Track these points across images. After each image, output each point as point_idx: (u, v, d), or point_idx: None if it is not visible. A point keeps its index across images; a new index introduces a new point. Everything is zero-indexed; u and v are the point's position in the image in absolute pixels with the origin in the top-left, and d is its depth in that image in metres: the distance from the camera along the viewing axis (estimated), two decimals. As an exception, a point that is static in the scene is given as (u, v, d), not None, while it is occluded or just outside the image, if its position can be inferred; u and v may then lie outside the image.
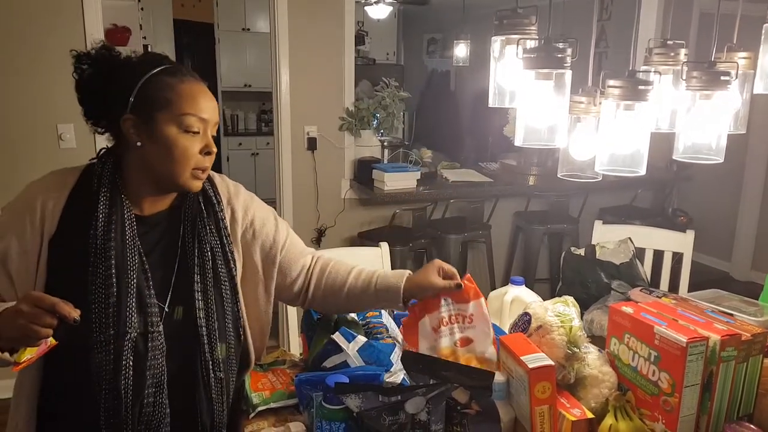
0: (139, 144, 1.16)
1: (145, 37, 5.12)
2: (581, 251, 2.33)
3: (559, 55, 1.15)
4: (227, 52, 6.59)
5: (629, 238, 2.29)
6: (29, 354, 1.03)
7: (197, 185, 1.20)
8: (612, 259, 2.25)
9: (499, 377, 1.25)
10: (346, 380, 1.17)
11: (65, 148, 2.87)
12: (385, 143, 3.57)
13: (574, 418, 1.18)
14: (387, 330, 1.41)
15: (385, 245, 2.15)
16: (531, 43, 1.21)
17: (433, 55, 7.65)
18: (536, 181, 3.75)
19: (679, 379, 1.17)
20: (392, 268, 3.14)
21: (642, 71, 1.27)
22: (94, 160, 1.23)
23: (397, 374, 1.31)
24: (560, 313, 1.32)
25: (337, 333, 1.29)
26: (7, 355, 1.05)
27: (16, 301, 1.13)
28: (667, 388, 1.19)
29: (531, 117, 1.23)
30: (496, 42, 1.31)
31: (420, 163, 3.56)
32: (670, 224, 3.64)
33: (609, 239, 2.39)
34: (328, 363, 1.28)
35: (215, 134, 1.22)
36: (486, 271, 3.66)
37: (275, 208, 3.40)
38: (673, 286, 2.43)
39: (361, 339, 1.29)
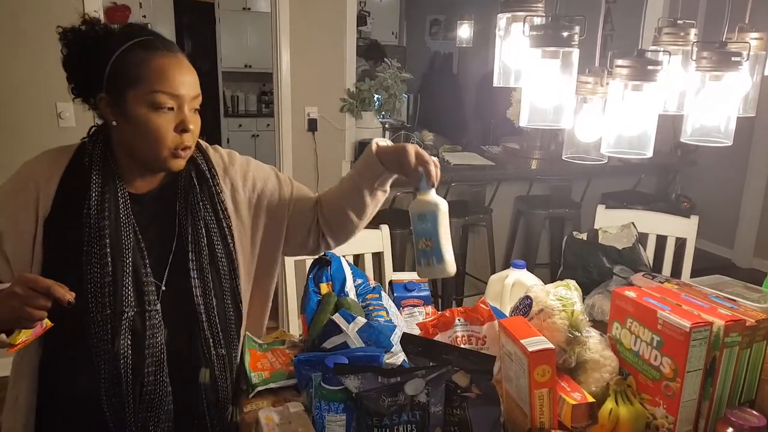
0: (114, 123, 1.13)
1: (145, 16, 5.07)
2: (583, 236, 2.32)
3: (567, 33, 1.12)
4: (228, 32, 6.51)
5: (632, 223, 2.28)
6: (24, 336, 1.03)
7: (179, 164, 1.16)
8: (614, 243, 2.24)
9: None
10: (346, 361, 1.16)
11: (64, 126, 2.84)
12: (387, 125, 3.54)
13: (574, 402, 1.17)
14: (387, 312, 1.39)
15: (385, 228, 2.13)
16: (538, 21, 1.18)
17: (436, 36, 7.57)
18: (539, 165, 3.72)
19: (682, 364, 1.16)
20: (393, 251, 3.11)
21: (651, 51, 1.25)
22: (86, 139, 1.21)
23: (397, 356, 1.30)
24: (562, 297, 1.31)
25: (336, 314, 1.28)
26: (3, 336, 1.05)
27: (7, 278, 1.12)
28: (669, 373, 1.19)
29: (536, 97, 1.20)
30: (502, 19, 1.28)
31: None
32: (674, 209, 3.61)
33: (612, 224, 2.37)
34: (328, 344, 1.27)
35: (197, 108, 1.16)
36: (486, 255, 3.64)
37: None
38: (676, 272, 2.42)
39: (361, 320, 1.28)
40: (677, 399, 1.17)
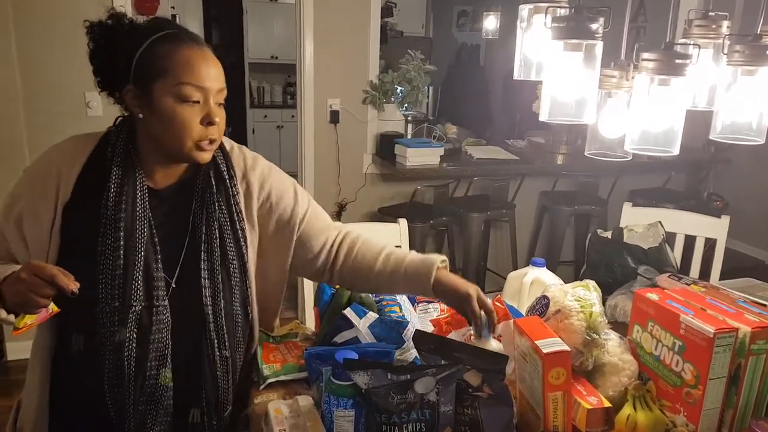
0: (140, 116, 1.13)
1: (173, 7, 5.11)
2: (608, 234, 2.26)
3: (590, 25, 1.08)
4: (255, 23, 6.53)
5: (659, 222, 2.22)
6: (29, 320, 1.04)
7: (204, 157, 1.15)
8: (640, 243, 2.18)
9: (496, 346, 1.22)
10: (356, 356, 1.14)
11: (92, 116, 2.88)
12: (409, 118, 3.51)
13: (589, 407, 1.13)
14: (400, 308, 1.37)
15: (403, 222, 2.11)
16: (561, 13, 1.14)
17: (463, 28, 7.48)
18: (564, 160, 3.65)
19: (704, 371, 1.11)
20: (411, 245, 3.11)
21: (680, 44, 1.20)
22: (113, 128, 1.21)
23: (409, 352, 1.28)
24: (580, 297, 1.27)
25: (348, 308, 1.26)
26: (12, 317, 1.07)
27: (24, 261, 1.13)
28: (691, 380, 1.14)
29: (558, 90, 1.16)
30: (524, 10, 1.24)
31: (444, 139, 3.49)
32: (705, 209, 3.51)
33: (638, 222, 2.31)
34: (339, 338, 1.26)
35: (222, 102, 1.15)
36: (509, 251, 3.60)
37: (297, 181, 3.40)
38: (704, 274, 2.34)
39: (373, 315, 1.26)
40: (699, 407, 1.13)
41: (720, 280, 2.26)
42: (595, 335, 1.23)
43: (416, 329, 1.26)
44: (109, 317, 1.11)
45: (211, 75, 1.12)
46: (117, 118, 1.21)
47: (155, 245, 1.16)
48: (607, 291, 2.00)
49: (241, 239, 1.24)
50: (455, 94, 6.60)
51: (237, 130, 6.42)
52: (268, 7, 6.47)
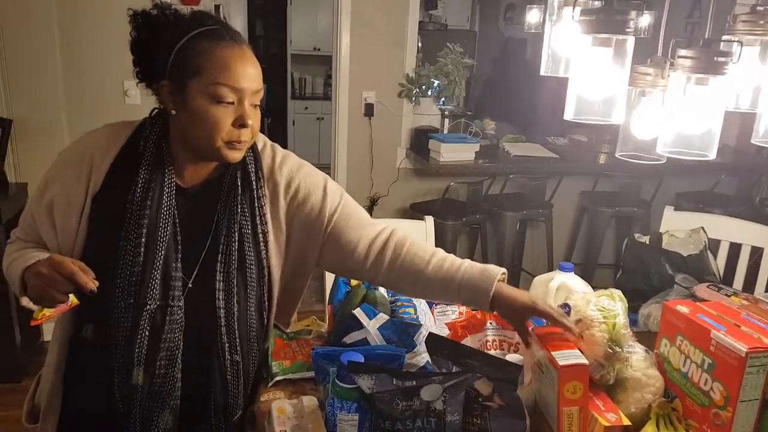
0: (173, 112, 1.10)
1: (217, -3, 5.15)
2: (646, 239, 2.17)
3: (621, 18, 1.01)
4: (299, 14, 6.55)
5: (702, 228, 2.10)
6: (47, 312, 1.04)
7: (235, 156, 1.12)
8: (680, 249, 2.08)
9: (516, 359, 1.16)
10: (361, 359, 1.11)
11: (130, 104, 2.93)
12: (446, 112, 3.44)
13: (607, 424, 1.07)
14: (415, 310, 1.33)
15: (429, 219, 2.06)
16: (590, 5, 1.07)
17: (511, 21, 7.31)
18: (607, 160, 3.52)
19: (735, 392, 1.04)
20: (442, 243, 3.05)
21: (722, 41, 1.11)
22: (148, 119, 1.19)
23: (420, 356, 1.24)
24: (604, 307, 1.20)
25: (358, 308, 1.23)
26: (32, 305, 1.07)
27: (54, 247, 1.15)
28: (720, 401, 1.07)
29: (585, 88, 1.10)
30: (554, 1, 1.18)
31: (480, 135, 3.41)
32: (756, 215, 3.32)
33: (680, 227, 2.20)
34: (348, 339, 1.23)
35: (257, 103, 1.11)
36: (544, 252, 3.50)
37: (329, 174, 3.38)
38: (749, 285, 2.21)
39: (383, 317, 1.22)
40: (727, 430, 1.06)
41: (766, 291, 2.13)
42: (617, 348, 1.16)
43: (429, 333, 1.22)
44: (123, 313, 1.10)
45: (248, 76, 1.08)
46: (153, 110, 1.19)
47: (177, 243, 1.15)
48: (642, 299, 1.92)
49: (262, 244, 1.20)
50: (498, 89, 6.47)
51: (277, 122, 6.47)
52: (312, -1, 6.49)
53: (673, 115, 1.10)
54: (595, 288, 1.43)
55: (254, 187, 1.20)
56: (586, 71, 1.08)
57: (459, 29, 6.61)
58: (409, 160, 3.41)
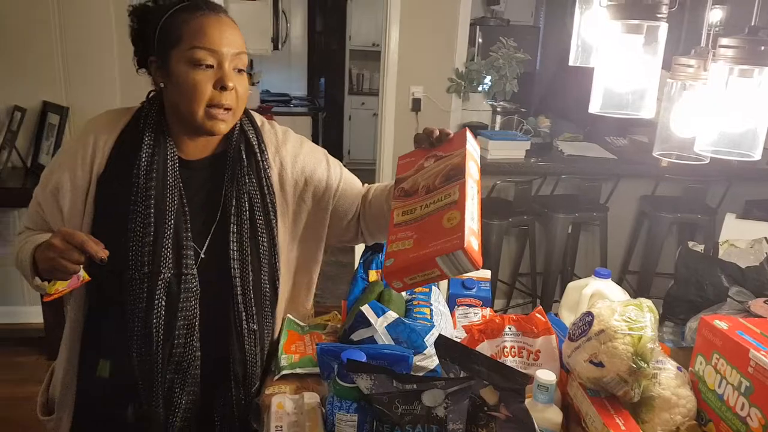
0: (162, 85, 1.15)
1: (277, -7, 5.22)
2: (701, 247, 2.02)
3: (652, 3, 0.92)
4: (358, 10, 6.55)
5: (765, 238, 1.94)
6: (60, 286, 1.07)
7: (218, 127, 1.14)
8: (738, 260, 1.92)
9: (548, 376, 1.08)
10: (363, 357, 1.07)
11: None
12: (499, 109, 3.34)
13: (624, 445, 0.98)
14: (431, 311, 1.28)
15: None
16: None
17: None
18: (669, 162, 3.31)
19: (773, 421, 0.93)
20: (485, 242, 2.97)
21: (774, 28, 1.00)
22: (146, 102, 1.23)
23: (430, 359, 1.18)
24: (630, 318, 1.10)
25: (366, 305, 1.19)
26: (45, 283, 1.10)
27: None
28: (758, 429, 0.97)
29: (613, 79, 1.01)
30: (585, -13, 1.09)
31: (532, 132, 3.29)
32: (834, 227, 3.05)
33: (743, 237, 2.04)
34: (356, 336, 1.19)
35: (242, 68, 1.14)
36: (598, 258, 3.34)
37: (374, 168, 3.35)
38: (817, 302, 2.02)
39: (392, 315, 1.18)
40: (764, 462, 0.95)
41: (835, 311, 1.94)
42: (642, 363, 1.07)
43: (439, 335, 1.16)
44: (138, 284, 1.12)
45: (225, 39, 1.11)
46: (150, 92, 1.23)
47: (186, 214, 1.17)
48: (695, 312, 1.79)
49: (271, 213, 1.23)
50: (561, 86, 6.26)
51: (334, 117, 6.51)
52: (372, -6, 6.48)
53: (714, 110, 1.00)
54: (651, 299, 1.33)
55: (259, 158, 1.23)
56: (615, 61, 0.99)
57: (521, 25, 6.43)
58: (456, 157, 3.33)
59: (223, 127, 1.15)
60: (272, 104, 5.31)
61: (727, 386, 1.05)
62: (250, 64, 5.74)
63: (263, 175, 1.23)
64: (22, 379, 1.30)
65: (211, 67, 1.10)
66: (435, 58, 3.18)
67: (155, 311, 1.13)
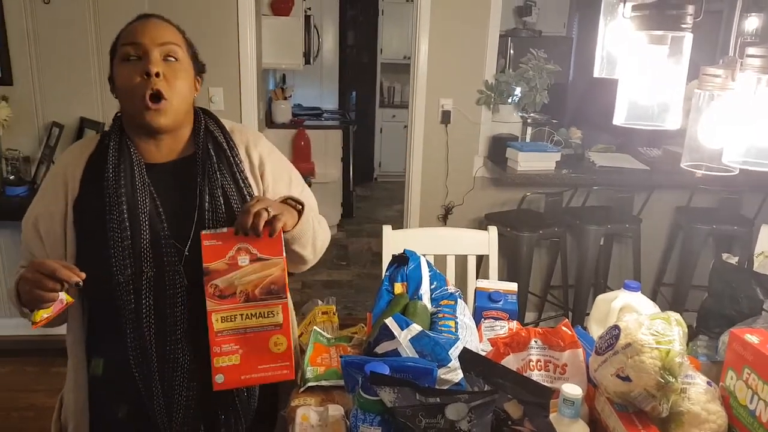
0: (115, 96, 1.21)
1: (309, 8, 5.32)
2: (735, 260, 1.97)
3: (676, 13, 0.91)
4: (390, 23, 6.62)
5: (803, 250, 1.88)
6: (44, 314, 1.07)
7: (157, 119, 1.17)
8: (774, 273, 1.87)
9: (574, 390, 1.07)
10: (386, 370, 1.07)
11: (215, 110, 3.02)
12: (529, 120, 3.32)
13: (652, 461, 0.97)
14: (456, 323, 1.28)
15: (493, 230, 1.98)
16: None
17: (611, 28, 6.98)
18: (704, 173, 3.23)
19: (807, 439, 0.90)
20: (516, 254, 2.93)
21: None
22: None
23: (454, 372, 1.18)
24: (657, 332, 1.09)
25: (390, 318, 1.19)
26: (29, 313, 1.12)
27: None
28: (792, 446, 0.94)
29: (637, 90, 1.00)
30: (609, -1, 1.09)
31: (563, 144, 3.25)
32: None
33: (780, 249, 1.99)
34: (380, 349, 1.19)
35: (172, 57, 1.19)
36: (631, 270, 3.27)
37: (404, 181, 3.35)
38: None
39: (416, 328, 1.18)
40: (798, 481, 0.92)
41: None
42: (670, 378, 1.05)
43: (464, 348, 1.16)
44: (124, 287, 1.15)
45: (147, 30, 1.18)
46: (116, 113, 1.28)
47: (160, 215, 1.20)
48: (730, 325, 1.74)
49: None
50: (594, 97, 6.18)
51: (365, 129, 6.56)
52: (403, 8, 6.51)
53: (742, 120, 0.98)
54: (685, 312, 1.31)
55: (229, 154, 1.26)
56: (639, 71, 0.99)
57: (554, 36, 6.39)
58: (486, 168, 3.32)
59: (163, 120, 1.18)
60: (304, 118, 5.38)
61: (759, 401, 1.02)
62: (282, 78, 5.84)
63: (236, 169, 1.26)
64: (58, 390, 1.34)
65: (139, 59, 1.16)
66: (464, 70, 3.18)
67: (144, 310, 1.15)
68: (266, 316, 1.10)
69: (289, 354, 1.11)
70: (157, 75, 1.15)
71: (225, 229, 1.11)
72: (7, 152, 2.97)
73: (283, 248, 1.10)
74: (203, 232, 1.12)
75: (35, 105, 3.03)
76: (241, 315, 1.10)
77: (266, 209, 1.09)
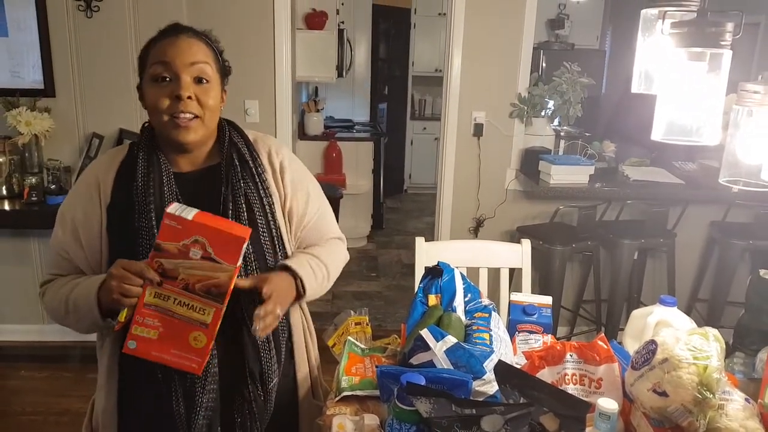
0: (144, 106, 1.25)
1: (343, 22, 5.40)
2: (773, 275, 1.93)
3: (715, 30, 0.92)
4: (422, 37, 6.67)
5: (842, 267, 1.83)
6: (128, 312, 1.12)
7: (184, 135, 1.21)
8: (813, 289, 1.83)
9: (610, 404, 1.07)
10: (422, 381, 1.09)
11: (250, 122, 3.14)
12: (562, 133, 3.30)
13: (689, 479, 0.96)
14: (490, 336, 1.29)
15: (526, 243, 1.99)
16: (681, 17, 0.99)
17: (645, 40, 6.90)
18: (740, 188, 3.17)
19: None
20: (548, 268, 2.91)
21: None
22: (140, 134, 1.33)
23: (489, 384, 1.19)
24: (695, 347, 1.08)
25: (425, 329, 1.21)
26: (109, 320, 1.17)
27: (87, 267, 1.26)
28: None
29: (676, 106, 1.01)
30: (647, 14, 1.10)
31: (596, 157, 3.23)
32: None
33: (820, 265, 1.94)
34: (415, 360, 1.21)
35: (203, 77, 1.21)
36: (665, 285, 3.22)
37: (436, 193, 3.37)
38: None
39: (451, 339, 1.19)
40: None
41: None
42: (708, 393, 1.04)
43: (499, 360, 1.17)
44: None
45: (177, 49, 1.20)
46: (144, 123, 1.33)
47: None
48: (767, 342, 1.71)
49: (269, 213, 1.29)
50: (627, 110, 6.11)
51: (396, 141, 6.60)
52: (435, 21, 6.57)
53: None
54: (721, 328, 1.30)
55: (252, 165, 1.30)
56: (677, 88, 1.00)
57: (587, 48, 6.36)
58: (518, 181, 3.32)
59: (191, 136, 1.22)
60: (336, 130, 5.45)
61: (800, 422, 1.01)
62: (315, 91, 5.92)
63: (258, 179, 1.30)
64: (93, 395, 1.38)
65: (169, 80, 1.19)
66: (497, 83, 3.19)
67: None
68: (197, 311, 1.11)
69: (206, 352, 1.12)
70: (189, 98, 1.20)
71: (191, 216, 1.09)
72: (49, 162, 3.07)
73: (240, 258, 1.10)
74: (170, 207, 1.10)
75: (76, 116, 3.14)
76: (174, 300, 1.11)
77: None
